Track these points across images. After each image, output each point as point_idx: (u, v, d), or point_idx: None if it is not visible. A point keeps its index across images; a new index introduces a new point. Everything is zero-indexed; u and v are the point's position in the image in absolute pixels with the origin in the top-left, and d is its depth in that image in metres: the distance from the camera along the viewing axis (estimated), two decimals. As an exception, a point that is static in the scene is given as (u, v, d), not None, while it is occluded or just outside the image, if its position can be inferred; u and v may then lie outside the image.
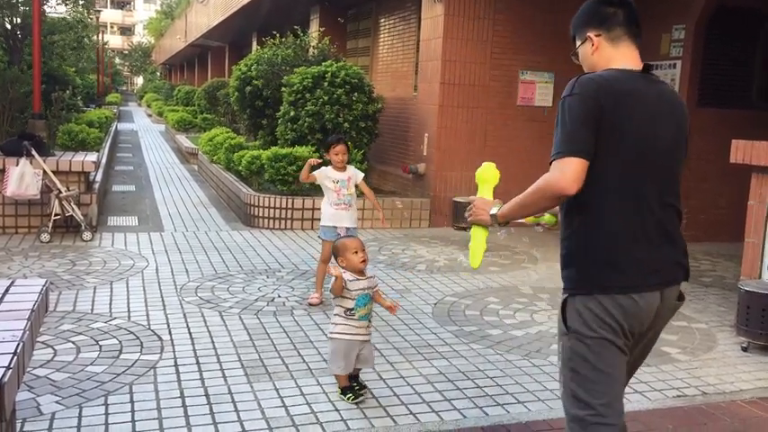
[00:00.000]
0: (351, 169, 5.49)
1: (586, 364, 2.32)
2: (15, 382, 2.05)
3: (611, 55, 2.45)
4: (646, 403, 3.94)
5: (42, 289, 2.77)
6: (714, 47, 8.56)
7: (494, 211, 2.53)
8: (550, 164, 2.29)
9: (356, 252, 3.77)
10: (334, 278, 3.68)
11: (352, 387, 3.80)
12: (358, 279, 3.76)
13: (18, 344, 2.17)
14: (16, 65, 9.66)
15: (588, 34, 2.49)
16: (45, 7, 12.14)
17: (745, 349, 4.82)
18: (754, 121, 8.28)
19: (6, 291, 2.73)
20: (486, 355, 4.56)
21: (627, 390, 4.03)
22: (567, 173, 2.23)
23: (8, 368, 1.98)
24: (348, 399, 3.75)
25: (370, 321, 3.84)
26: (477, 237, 2.64)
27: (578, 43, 2.55)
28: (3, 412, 1.88)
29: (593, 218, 2.33)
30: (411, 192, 9.71)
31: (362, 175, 5.58)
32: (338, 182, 5.37)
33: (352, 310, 3.74)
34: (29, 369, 4.02)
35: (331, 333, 3.79)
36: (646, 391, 4.11)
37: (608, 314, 2.29)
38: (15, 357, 2.07)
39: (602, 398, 2.33)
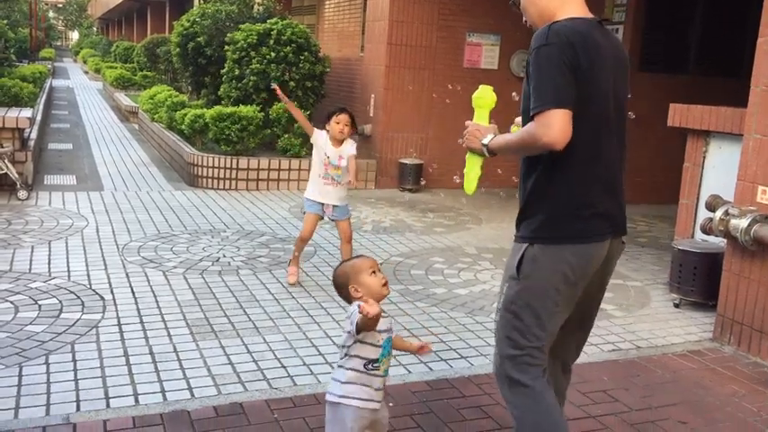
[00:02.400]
0: (347, 146, 4.91)
1: (527, 309, 2.39)
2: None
3: (561, 1, 2.41)
4: (583, 357, 4.00)
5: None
6: (655, 12, 8.72)
7: (485, 141, 2.51)
8: (532, 117, 2.27)
9: (373, 272, 2.56)
10: (356, 312, 2.39)
11: None
12: (382, 316, 2.45)
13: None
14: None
15: None
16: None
17: (677, 306, 5.03)
18: (691, 86, 8.49)
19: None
20: (430, 313, 4.65)
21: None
22: (555, 127, 2.22)
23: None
24: None
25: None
26: (472, 163, 2.61)
27: None
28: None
29: (561, 170, 2.35)
30: (359, 155, 9.66)
31: (354, 152, 4.93)
32: (328, 156, 4.89)
33: (377, 361, 2.50)
34: (-35, 329, 3.92)
35: (340, 396, 2.49)
36: (583, 345, 4.25)
37: (565, 262, 2.34)
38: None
39: (535, 342, 2.41)
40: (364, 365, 2.48)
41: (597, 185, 2.38)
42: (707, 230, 4.54)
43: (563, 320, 2.48)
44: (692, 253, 4.94)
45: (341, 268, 2.64)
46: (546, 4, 2.44)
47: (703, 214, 4.85)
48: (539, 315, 2.39)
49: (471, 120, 2.63)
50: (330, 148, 4.91)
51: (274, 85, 5.23)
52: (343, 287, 2.57)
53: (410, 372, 3.76)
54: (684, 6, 8.96)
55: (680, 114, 5.34)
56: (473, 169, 2.62)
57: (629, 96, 2.51)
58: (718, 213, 4.31)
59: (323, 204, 4.98)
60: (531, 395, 2.41)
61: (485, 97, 2.64)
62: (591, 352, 4.16)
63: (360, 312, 2.34)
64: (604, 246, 2.42)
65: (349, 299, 2.57)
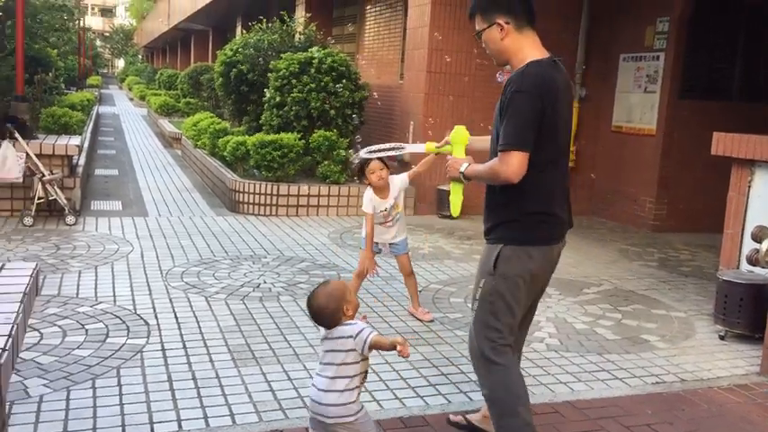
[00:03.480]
0: (394, 183, 4.81)
1: (501, 300, 2.86)
2: (10, 364, 2.08)
3: (521, 43, 2.85)
4: (626, 389, 4.03)
5: (33, 272, 2.78)
6: (697, 39, 8.65)
7: (462, 169, 3.02)
8: (501, 150, 2.75)
9: (349, 291, 2.89)
10: (365, 330, 2.72)
11: None
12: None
13: (12, 326, 2.19)
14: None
15: (497, 20, 2.84)
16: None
17: (722, 338, 4.93)
18: (734, 114, 8.39)
19: (-3, 274, 2.74)
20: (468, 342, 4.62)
21: (607, 376, 4.16)
22: (513, 166, 2.71)
23: (4, 350, 2.01)
24: None
25: None
26: (455, 190, 3.21)
27: (483, 26, 2.89)
28: (0, 394, 1.91)
29: (529, 187, 2.77)
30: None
31: (406, 180, 4.86)
32: (385, 209, 4.81)
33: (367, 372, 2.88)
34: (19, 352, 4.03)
35: (358, 414, 2.76)
36: (626, 377, 4.20)
37: (531, 259, 2.82)
38: (10, 339, 2.10)
39: (507, 326, 2.89)
40: (361, 380, 2.82)
41: (556, 196, 2.87)
42: (753, 261, 4.46)
43: (525, 309, 2.99)
44: (737, 284, 4.85)
45: (327, 294, 2.77)
46: (505, 47, 2.87)
47: (748, 244, 4.76)
48: (509, 304, 2.86)
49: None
50: (379, 202, 4.80)
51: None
52: (337, 310, 2.76)
53: (450, 402, 3.75)
54: (727, 32, 8.87)
55: (724, 143, 5.27)
56: (457, 195, 3.23)
57: None
58: (765, 245, 4.24)
59: (378, 243, 4.92)
60: (503, 372, 2.89)
61: (459, 136, 3.25)
62: (634, 384, 4.11)
63: (400, 354, 2.68)
64: (560, 247, 2.97)
65: (338, 321, 2.76)
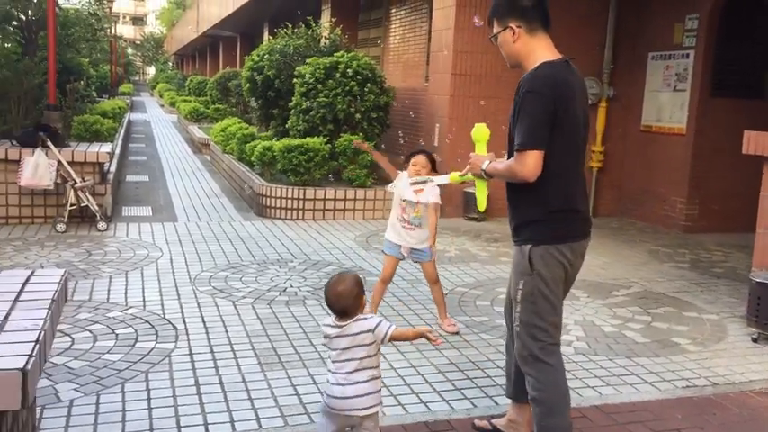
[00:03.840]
0: (428, 191, 4.68)
1: (544, 298, 2.89)
2: (38, 369, 2.11)
3: (533, 45, 2.90)
4: (655, 393, 3.97)
5: (62, 279, 2.82)
6: (727, 36, 8.51)
7: (483, 166, 3.07)
8: (516, 150, 2.81)
9: None
10: (383, 324, 2.82)
11: None
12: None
13: (40, 332, 2.23)
14: (30, 57, 9.72)
15: (510, 24, 2.90)
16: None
17: (755, 340, 4.84)
18: (766, 112, 8.23)
19: (27, 281, 2.79)
20: (496, 345, 4.60)
21: (636, 380, 4.12)
22: (530, 165, 2.77)
23: (31, 356, 2.04)
24: None
25: None
26: (480, 187, 3.24)
27: (498, 29, 2.96)
28: (26, 399, 1.94)
29: (552, 187, 2.83)
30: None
31: (437, 201, 4.76)
32: (404, 200, 4.72)
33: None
34: (47, 357, 4.10)
35: (374, 406, 2.84)
36: (655, 381, 4.14)
37: (564, 257, 2.87)
38: (37, 345, 2.13)
39: (553, 324, 2.93)
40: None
41: (578, 194, 2.92)
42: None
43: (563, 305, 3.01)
44: (770, 285, 4.75)
45: (349, 284, 2.82)
46: (515, 49, 2.92)
47: (782, 245, 4.67)
48: (552, 302, 2.90)
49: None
50: (407, 192, 4.69)
51: (356, 142, 5.13)
52: (359, 297, 2.83)
53: (476, 406, 3.73)
54: (758, 29, 8.71)
55: (755, 141, 5.17)
56: (481, 191, 3.25)
57: None
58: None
59: (401, 246, 4.80)
60: (553, 372, 2.91)
61: (481, 133, 3.26)
62: (664, 388, 4.04)
63: (432, 343, 2.85)
64: (588, 242, 3.00)
65: (354, 310, 2.81)
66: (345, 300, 2.80)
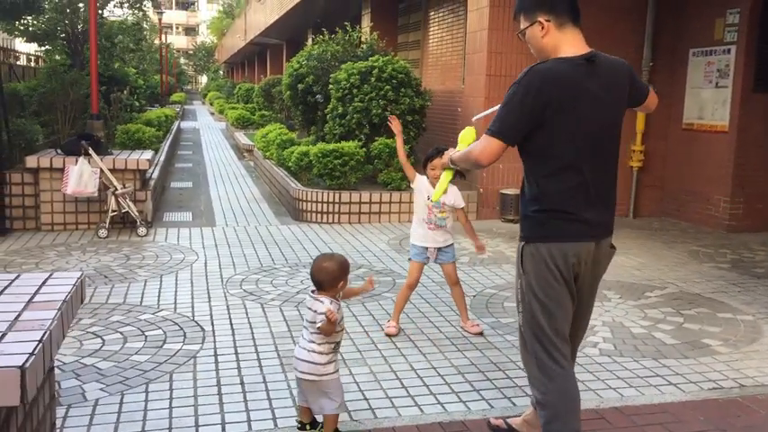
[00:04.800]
0: (452, 192, 4.70)
1: (535, 298, 2.82)
2: (40, 368, 2.19)
3: (559, 39, 2.80)
4: (679, 395, 3.88)
5: (77, 281, 2.92)
6: (770, 30, 8.26)
7: (451, 152, 3.21)
8: (484, 133, 2.82)
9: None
10: (322, 317, 3.10)
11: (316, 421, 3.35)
12: (339, 307, 3.24)
13: (45, 332, 2.31)
14: (77, 67, 10.06)
15: (538, 18, 2.81)
16: (105, 11, 12.61)
17: (790, 342, 4.69)
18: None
19: (44, 283, 2.89)
20: (519, 347, 4.56)
21: (660, 382, 4.03)
22: (485, 150, 2.80)
23: (31, 354, 2.12)
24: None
25: None
26: (445, 176, 3.37)
27: (526, 24, 2.87)
28: (24, 395, 2.02)
29: (547, 185, 2.78)
30: (459, 184, 9.69)
31: (463, 204, 4.82)
32: (430, 200, 4.66)
33: (339, 342, 3.29)
34: (77, 358, 4.25)
35: (325, 375, 3.18)
36: (680, 383, 4.05)
37: (551, 257, 2.77)
38: (40, 345, 2.21)
39: (548, 324, 2.81)
40: (334, 347, 3.22)
41: (579, 197, 2.77)
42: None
43: (570, 311, 2.86)
44: (805, 285, 4.60)
45: (339, 263, 3.20)
46: (543, 44, 2.82)
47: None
48: (543, 302, 2.81)
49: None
50: (432, 190, 4.58)
51: (393, 117, 4.77)
52: (336, 279, 3.17)
53: (493, 407, 3.71)
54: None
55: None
56: (444, 180, 3.37)
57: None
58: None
59: (427, 249, 4.78)
60: (556, 378, 2.82)
61: (465, 136, 3.33)
62: (688, 390, 3.96)
63: (327, 319, 3.07)
64: (586, 247, 2.81)
65: (327, 288, 3.18)
66: (323, 275, 3.18)
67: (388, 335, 4.74)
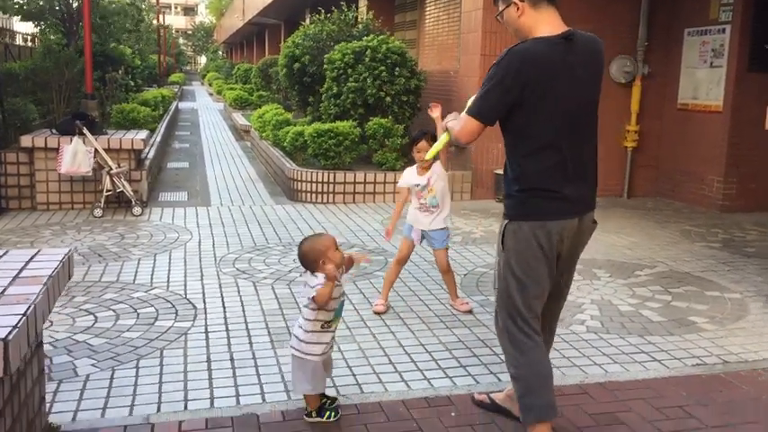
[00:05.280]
0: (435, 169, 4.74)
1: (513, 276, 2.88)
2: (23, 341, 2.23)
3: (535, 19, 2.83)
4: (663, 371, 3.93)
5: (64, 257, 2.96)
6: (764, 10, 8.22)
7: (449, 118, 3.20)
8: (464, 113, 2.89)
9: (337, 248, 3.21)
10: (319, 285, 3.09)
11: (324, 405, 3.30)
12: (338, 284, 3.18)
13: (29, 306, 2.36)
14: (72, 47, 10.03)
15: (513, 0, 2.84)
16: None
17: (776, 319, 4.74)
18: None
19: (31, 259, 2.94)
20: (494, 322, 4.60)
21: (645, 358, 4.08)
22: (464, 129, 2.88)
23: (15, 327, 2.17)
24: (328, 418, 3.26)
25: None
26: (443, 139, 3.31)
27: (503, 6, 2.92)
28: (7, 367, 2.07)
29: (527, 164, 2.83)
30: (453, 164, 9.70)
31: (444, 173, 4.79)
32: (417, 185, 4.75)
33: (331, 322, 3.23)
34: (69, 335, 4.30)
35: (304, 354, 3.19)
36: (665, 359, 4.10)
37: (535, 235, 2.81)
38: (24, 318, 2.26)
39: (524, 301, 2.88)
40: (321, 326, 3.19)
41: (559, 174, 2.81)
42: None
43: (546, 288, 2.92)
44: (791, 263, 4.64)
45: (311, 245, 3.19)
46: (520, 24, 2.87)
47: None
48: (521, 279, 2.86)
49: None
50: (417, 178, 4.74)
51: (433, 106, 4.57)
52: (314, 261, 3.15)
53: (478, 383, 3.77)
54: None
55: (778, 116, 5.03)
56: (441, 142, 3.33)
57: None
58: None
59: (413, 229, 4.84)
60: (528, 352, 2.89)
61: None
62: (672, 366, 4.01)
63: (329, 276, 3.05)
64: (569, 223, 2.86)
65: (313, 269, 3.16)
66: (302, 260, 3.22)
67: (377, 313, 4.78)
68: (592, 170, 2.97)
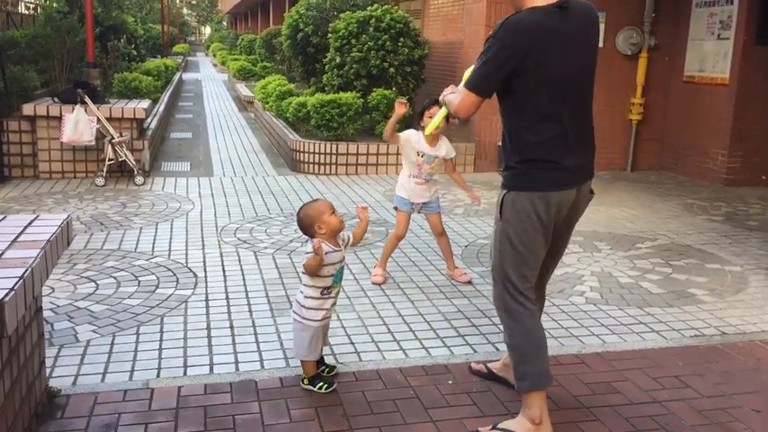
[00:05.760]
0: (444, 145, 4.73)
1: (510, 245, 2.88)
2: (20, 303, 2.25)
3: None
4: (660, 342, 3.95)
5: (62, 223, 2.97)
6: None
7: (445, 92, 3.18)
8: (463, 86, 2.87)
9: (333, 213, 3.22)
10: (310, 253, 3.12)
11: (321, 374, 3.35)
12: (335, 250, 3.21)
13: (26, 270, 2.37)
14: (74, 14, 9.95)
15: None
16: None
17: (776, 292, 4.74)
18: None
19: (29, 224, 2.94)
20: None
21: (643, 329, 4.10)
22: (462, 103, 2.86)
23: (11, 290, 2.18)
24: (320, 389, 3.26)
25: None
26: (440, 114, 3.50)
27: None
28: (4, 329, 2.08)
29: (527, 135, 2.81)
30: (456, 137, 9.66)
31: (454, 154, 4.81)
32: (423, 156, 4.67)
33: (330, 288, 3.25)
34: (71, 301, 4.32)
35: (303, 319, 3.23)
36: (663, 330, 4.12)
37: (533, 205, 2.80)
38: (21, 281, 2.27)
39: (520, 273, 2.89)
40: (321, 292, 3.22)
41: (559, 145, 2.80)
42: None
43: (541, 258, 2.93)
44: (792, 236, 4.63)
45: (306, 211, 3.24)
46: None
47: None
48: (518, 249, 2.86)
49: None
50: (423, 146, 4.66)
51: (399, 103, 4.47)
52: (309, 226, 3.20)
53: (476, 352, 3.78)
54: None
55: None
56: (440, 117, 3.50)
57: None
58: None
59: (412, 202, 4.79)
60: (523, 321, 2.90)
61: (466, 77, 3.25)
62: (670, 337, 4.02)
63: (314, 249, 3.08)
64: (568, 194, 2.86)
65: (311, 235, 3.21)
66: (300, 226, 3.28)
67: (375, 283, 4.79)
68: (590, 138, 2.96)
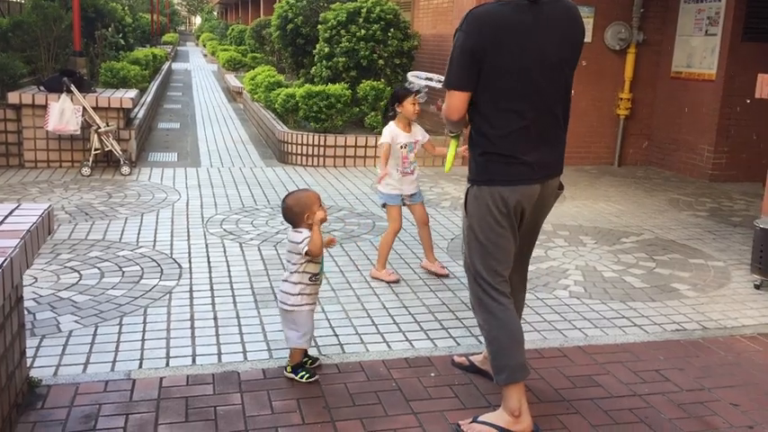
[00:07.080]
0: (418, 130, 4.78)
1: (476, 240, 2.88)
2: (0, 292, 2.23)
3: None
4: (642, 336, 3.98)
5: (44, 212, 2.95)
6: (762, -23, 8.15)
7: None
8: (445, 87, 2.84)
9: (321, 206, 3.27)
10: (307, 238, 3.16)
11: (304, 364, 3.37)
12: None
13: (5, 260, 2.35)
14: (60, 2, 9.84)
15: None
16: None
17: (757, 287, 4.78)
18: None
19: (10, 212, 2.93)
20: (490, 288, 4.63)
21: (625, 323, 4.12)
22: (450, 105, 2.81)
23: (-11, 279, 2.16)
24: (302, 378, 3.29)
25: None
26: (452, 146, 3.31)
27: None
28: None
29: (488, 128, 2.80)
30: (445, 129, 9.67)
31: (428, 136, 4.91)
32: (405, 146, 4.66)
33: (318, 275, 3.31)
34: (54, 291, 4.30)
35: (295, 306, 3.25)
36: (645, 324, 4.14)
37: (494, 200, 2.80)
38: (0, 271, 2.25)
39: (487, 265, 2.87)
40: (309, 278, 3.26)
41: (522, 139, 2.78)
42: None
43: (511, 251, 2.91)
44: (774, 232, 4.66)
45: (297, 199, 3.26)
46: None
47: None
48: (483, 243, 2.86)
49: None
50: (403, 136, 4.65)
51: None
52: (299, 215, 3.21)
53: (459, 344, 3.80)
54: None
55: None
56: (452, 150, 3.31)
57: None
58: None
59: (401, 195, 4.76)
60: (497, 315, 2.89)
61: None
62: (652, 331, 4.05)
63: (327, 243, 3.24)
64: (530, 189, 2.83)
65: (297, 223, 3.23)
66: (287, 215, 3.29)
67: (393, 282, 4.68)
68: (557, 135, 2.90)
